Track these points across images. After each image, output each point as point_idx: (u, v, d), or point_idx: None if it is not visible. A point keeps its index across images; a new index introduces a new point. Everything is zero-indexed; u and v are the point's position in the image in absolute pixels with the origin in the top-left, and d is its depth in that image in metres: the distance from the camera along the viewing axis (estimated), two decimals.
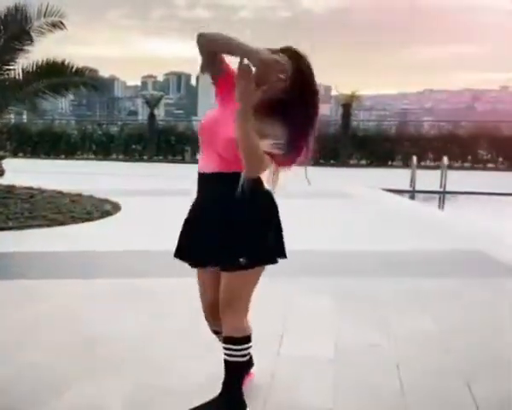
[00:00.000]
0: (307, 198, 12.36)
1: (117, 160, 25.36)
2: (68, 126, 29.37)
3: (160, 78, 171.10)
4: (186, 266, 3.33)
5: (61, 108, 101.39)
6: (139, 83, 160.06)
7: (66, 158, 25.53)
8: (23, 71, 12.29)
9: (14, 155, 25.64)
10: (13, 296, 5.75)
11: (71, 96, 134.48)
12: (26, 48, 12.01)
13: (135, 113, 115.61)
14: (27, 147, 26.34)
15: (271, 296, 5.31)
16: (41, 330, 4.80)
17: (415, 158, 16.56)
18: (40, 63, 12.22)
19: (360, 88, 25.66)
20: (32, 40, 11.80)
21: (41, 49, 12.56)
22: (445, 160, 16.23)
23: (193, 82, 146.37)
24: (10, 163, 12.73)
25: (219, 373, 3.37)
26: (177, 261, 3.33)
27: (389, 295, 5.99)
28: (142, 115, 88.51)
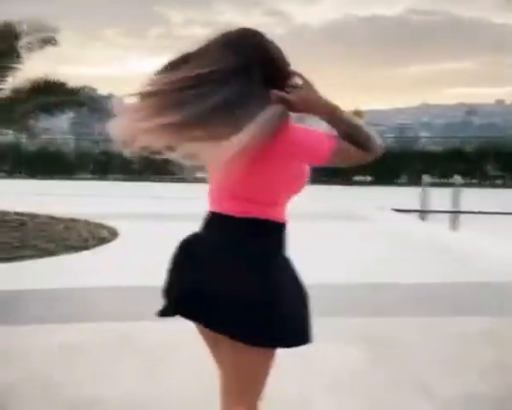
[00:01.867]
0: (315, 220, 11.67)
1: (115, 179, 24.59)
2: (66, 146, 28.69)
3: None
4: None
5: (60, 126, 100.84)
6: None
7: (62, 178, 24.84)
8: (13, 90, 11.62)
9: (10, 175, 25.00)
10: None
11: (70, 114, 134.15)
12: (14, 65, 11.36)
13: None
14: (23, 167, 25.65)
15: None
16: (11, 402, 3.99)
17: (425, 177, 15.84)
18: (32, 82, 11.56)
19: (354, 103, 24.80)
20: (20, 57, 11.15)
21: (35, 69, 11.94)
22: (459, 179, 15.49)
23: None
24: (5, 184, 12.04)
25: None
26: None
27: (424, 338, 5.21)
28: None
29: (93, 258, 8.94)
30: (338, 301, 6.46)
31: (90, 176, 25.56)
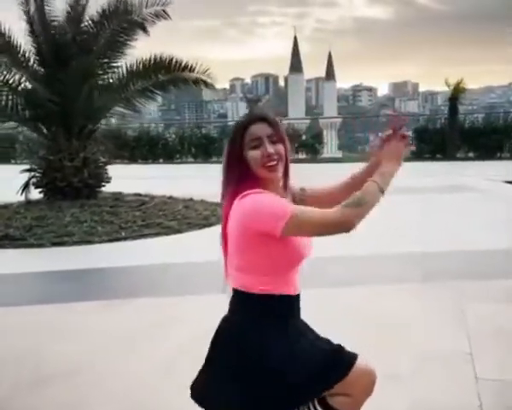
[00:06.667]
0: (427, 193, 12.02)
1: (218, 162, 24.46)
2: (164, 130, 28.75)
3: (248, 80, 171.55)
4: None
5: (149, 113, 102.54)
6: (227, 86, 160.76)
7: (164, 162, 24.90)
8: (127, 69, 11.49)
9: (112, 161, 25.27)
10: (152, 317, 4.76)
11: (159, 101, 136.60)
12: (130, 43, 11.23)
13: (224, 115, 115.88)
14: (124, 153, 25.80)
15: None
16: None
17: None
18: (146, 60, 11.38)
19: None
20: (144, 29, 11.00)
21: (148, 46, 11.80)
22: None
23: (281, 83, 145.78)
24: (109, 169, 11.97)
25: None
26: None
27: None
28: (232, 118, 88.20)
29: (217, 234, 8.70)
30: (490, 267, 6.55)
31: (192, 159, 25.49)
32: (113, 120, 25.73)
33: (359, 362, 2.37)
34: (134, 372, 4.15)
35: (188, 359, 3.86)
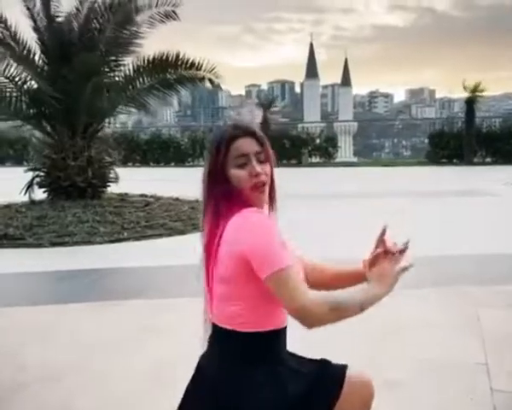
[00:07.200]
0: (451, 197, 12.02)
1: None
2: (177, 134, 28.61)
3: (264, 86, 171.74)
4: None
5: (165, 119, 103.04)
6: (243, 92, 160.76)
7: (175, 166, 24.70)
8: (134, 67, 11.24)
9: (124, 164, 25.12)
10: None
11: (175, 107, 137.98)
12: (136, 41, 10.97)
13: None
14: (136, 156, 25.69)
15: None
16: None
17: None
18: (152, 58, 11.12)
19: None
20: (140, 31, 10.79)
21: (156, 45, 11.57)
22: None
23: (297, 89, 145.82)
24: (120, 172, 11.72)
25: None
26: None
27: None
28: None
29: None
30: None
31: (203, 163, 25.27)
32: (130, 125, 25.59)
33: (351, 373, 2.04)
34: (120, 377, 3.85)
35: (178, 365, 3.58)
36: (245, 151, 2.03)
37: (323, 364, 2.09)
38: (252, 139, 2.05)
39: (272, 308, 2.00)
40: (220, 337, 2.05)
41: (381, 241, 2.06)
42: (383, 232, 2.07)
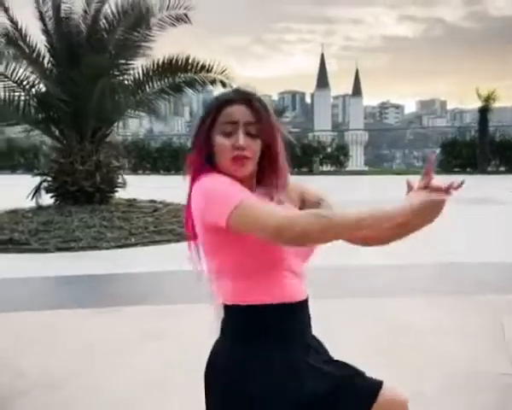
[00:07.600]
0: (465, 205, 11.29)
1: None
2: (187, 143, 28.52)
3: (275, 97, 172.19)
4: None
5: (177, 129, 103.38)
6: None
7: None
8: (143, 70, 11.06)
9: (134, 171, 25.01)
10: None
11: (186, 118, 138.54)
12: (145, 44, 10.79)
13: None
14: (146, 163, 25.62)
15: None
16: None
17: None
18: (162, 61, 10.94)
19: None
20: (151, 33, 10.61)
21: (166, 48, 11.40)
22: None
23: (307, 100, 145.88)
24: (130, 179, 11.56)
25: None
26: None
27: None
28: None
29: None
30: None
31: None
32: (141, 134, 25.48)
33: (386, 390, 1.80)
34: (122, 383, 3.64)
35: (180, 372, 3.35)
36: (234, 119, 1.79)
37: (358, 373, 1.85)
38: (247, 108, 1.80)
39: (269, 277, 1.79)
40: (225, 315, 1.85)
41: (426, 174, 1.79)
42: (431, 164, 1.80)
